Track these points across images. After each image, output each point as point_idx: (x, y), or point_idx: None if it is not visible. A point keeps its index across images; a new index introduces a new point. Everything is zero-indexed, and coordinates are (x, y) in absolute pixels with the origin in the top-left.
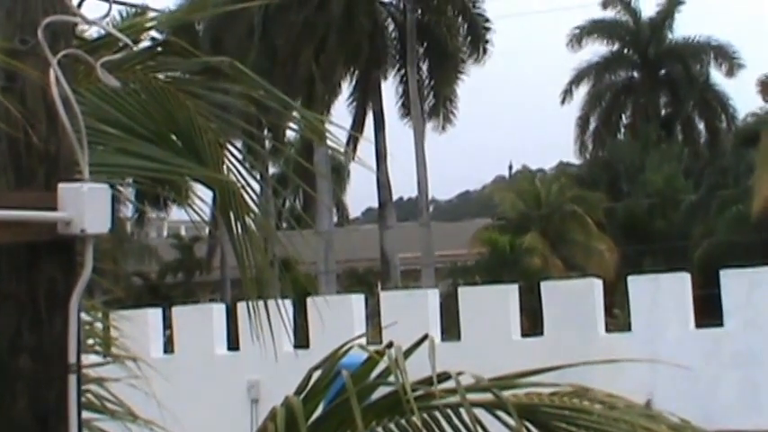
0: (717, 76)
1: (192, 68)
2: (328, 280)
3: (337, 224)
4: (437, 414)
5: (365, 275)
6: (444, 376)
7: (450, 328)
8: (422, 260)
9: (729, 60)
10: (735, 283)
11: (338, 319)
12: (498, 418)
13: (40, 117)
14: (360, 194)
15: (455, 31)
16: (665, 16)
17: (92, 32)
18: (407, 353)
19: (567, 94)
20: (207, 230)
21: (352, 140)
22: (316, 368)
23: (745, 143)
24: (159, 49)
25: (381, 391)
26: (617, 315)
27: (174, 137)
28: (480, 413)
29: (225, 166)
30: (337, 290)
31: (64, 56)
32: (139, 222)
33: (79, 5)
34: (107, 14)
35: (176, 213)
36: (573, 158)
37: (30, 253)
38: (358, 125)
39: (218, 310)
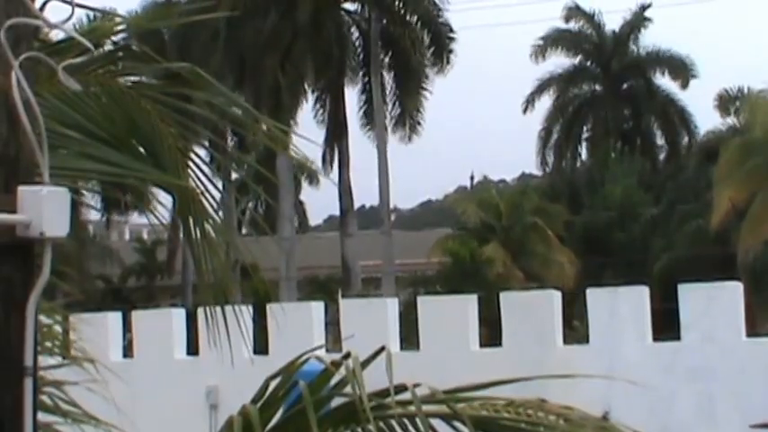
0: (677, 90)
1: (155, 73)
2: (289, 287)
3: (299, 231)
4: (393, 423)
5: (326, 283)
6: (401, 388)
7: (410, 337)
8: (383, 268)
9: (686, 71)
10: (693, 298)
11: (298, 325)
12: (454, 428)
13: (1, 119)
14: (322, 202)
15: (419, 43)
16: (630, 30)
17: (56, 34)
18: (364, 364)
19: (530, 103)
20: (168, 235)
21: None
22: (273, 377)
23: (707, 159)
24: (121, 53)
25: (340, 398)
26: (576, 327)
27: (134, 141)
28: (437, 422)
29: (187, 172)
30: (298, 297)
31: (26, 58)
32: (102, 225)
33: (42, 8)
34: (69, 18)
35: (138, 217)
36: (535, 170)
37: None
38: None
39: (178, 314)
